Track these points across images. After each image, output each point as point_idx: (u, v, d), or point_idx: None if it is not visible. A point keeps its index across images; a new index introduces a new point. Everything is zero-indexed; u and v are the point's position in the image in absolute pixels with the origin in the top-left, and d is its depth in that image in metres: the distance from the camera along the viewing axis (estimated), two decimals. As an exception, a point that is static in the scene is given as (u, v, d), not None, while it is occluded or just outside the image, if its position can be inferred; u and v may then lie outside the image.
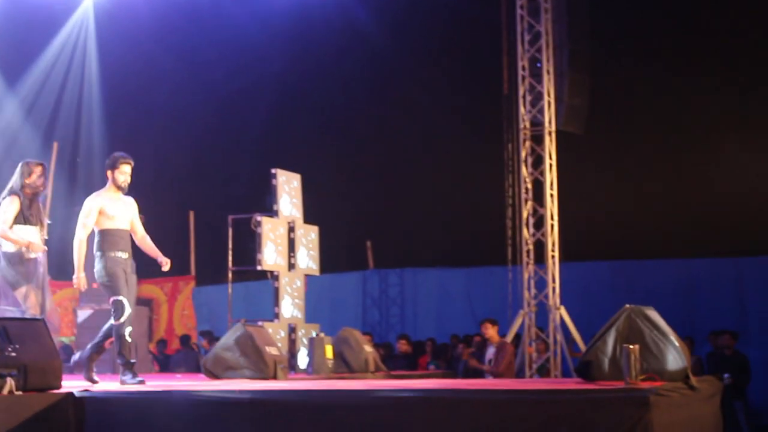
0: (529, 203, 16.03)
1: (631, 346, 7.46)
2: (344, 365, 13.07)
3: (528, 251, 16.00)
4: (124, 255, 9.81)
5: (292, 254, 14.40)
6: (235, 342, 11.05)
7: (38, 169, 10.03)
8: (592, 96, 16.47)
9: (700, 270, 18.02)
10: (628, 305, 8.29)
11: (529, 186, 16.05)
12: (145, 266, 19.63)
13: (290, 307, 14.14)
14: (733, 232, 18.39)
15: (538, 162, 16.05)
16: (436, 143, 20.56)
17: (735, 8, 18.78)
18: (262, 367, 10.83)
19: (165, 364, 17.99)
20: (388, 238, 20.93)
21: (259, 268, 13.86)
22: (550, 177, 15.94)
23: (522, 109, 16.05)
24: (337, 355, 12.99)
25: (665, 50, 19.37)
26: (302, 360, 13.81)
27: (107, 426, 7.80)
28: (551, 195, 15.93)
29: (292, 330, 14.02)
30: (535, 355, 15.88)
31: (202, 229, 22.14)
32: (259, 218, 13.75)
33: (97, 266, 9.68)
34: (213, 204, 20.80)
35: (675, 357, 7.97)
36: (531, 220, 16.04)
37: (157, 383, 9.75)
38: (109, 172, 9.93)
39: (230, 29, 20.81)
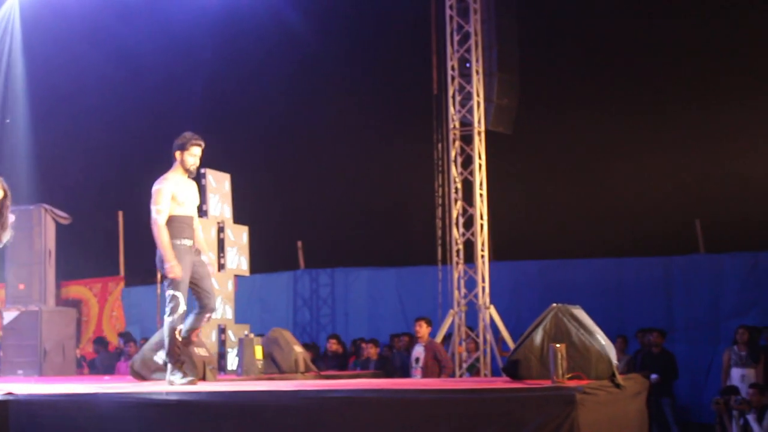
0: (459, 203, 16.09)
1: (558, 345, 7.53)
2: (274, 366, 13.02)
3: (458, 251, 16.06)
4: (189, 242, 9.38)
5: (221, 255, 14.32)
6: (159, 345, 10.96)
7: None
8: (520, 96, 16.58)
9: (627, 269, 18.21)
10: (555, 304, 8.36)
11: (459, 186, 16.11)
12: (73, 267, 19.55)
13: (220, 307, 14.06)
14: (660, 232, 18.61)
15: (467, 162, 16.11)
16: (367, 143, 20.57)
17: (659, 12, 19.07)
18: (191, 369, 10.74)
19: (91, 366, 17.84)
20: (319, 238, 20.89)
21: (188, 268, 13.74)
22: (480, 177, 16.01)
23: (451, 109, 16.11)
24: (267, 355, 12.93)
25: (593, 51, 19.55)
26: (232, 361, 13.74)
27: (32, 430, 7.71)
28: (481, 195, 16.00)
29: (221, 331, 13.94)
30: (465, 354, 15.94)
31: (131, 230, 21.91)
32: (188, 218, 13.65)
33: (160, 255, 9.27)
34: (143, 204, 20.61)
35: (601, 355, 8.06)
36: (461, 220, 16.10)
37: (82, 386, 9.64)
38: (177, 154, 9.49)
39: (161, 30, 20.65)
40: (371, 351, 16.24)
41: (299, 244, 20.90)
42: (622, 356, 15.65)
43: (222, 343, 13.89)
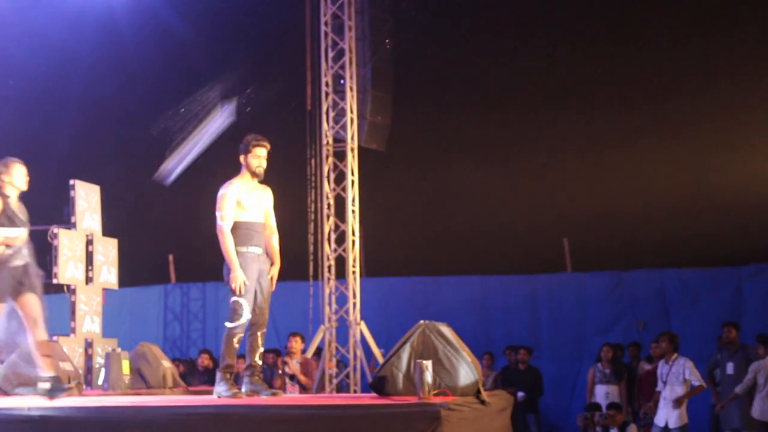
0: (331, 219, 16.14)
1: (425, 362, 7.60)
2: (141, 381, 12.87)
3: (329, 267, 16.09)
4: (258, 250, 9.01)
5: (90, 268, 14.11)
6: (27, 357, 10.75)
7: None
8: (394, 114, 16.71)
9: (495, 286, 18.48)
10: (422, 321, 8.44)
11: (332, 202, 16.15)
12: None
13: (87, 321, 13.86)
14: (528, 250, 18.92)
15: (340, 178, 16.17)
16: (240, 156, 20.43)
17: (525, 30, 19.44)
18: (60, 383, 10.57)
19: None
20: (190, 251, 20.70)
21: (54, 281, 13.52)
22: (352, 193, 16.08)
23: (325, 125, 16.15)
24: (135, 370, 12.77)
25: (466, 71, 19.81)
26: (99, 376, 13.54)
27: None
28: (353, 211, 16.07)
29: (88, 345, 13.74)
30: (335, 370, 15.97)
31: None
32: (55, 230, 13.44)
33: (226, 264, 8.89)
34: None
35: (467, 372, 8.16)
36: (333, 236, 16.14)
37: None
38: (242, 158, 9.15)
39: (37, 36, 20.23)
40: (239, 366, 16.15)
41: (170, 257, 20.72)
42: (488, 373, 15.89)
43: (89, 358, 13.69)
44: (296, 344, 14.05)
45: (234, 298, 8.88)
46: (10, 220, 8.84)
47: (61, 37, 19.91)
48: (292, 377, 13.77)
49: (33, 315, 8.91)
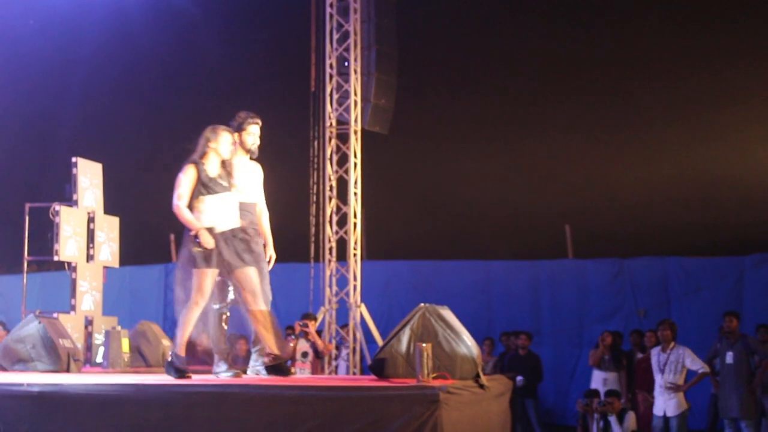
0: (333, 201, 16.13)
1: (424, 345, 7.58)
2: (141, 359, 12.84)
3: (330, 249, 16.09)
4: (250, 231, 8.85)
5: (91, 245, 14.08)
6: (26, 334, 10.75)
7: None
8: (398, 97, 16.68)
9: (497, 272, 18.47)
10: (423, 304, 8.41)
11: (334, 184, 16.14)
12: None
13: (87, 299, 13.84)
14: (530, 236, 18.92)
15: (343, 160, 16.16)
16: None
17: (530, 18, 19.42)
18: (55, 360, 10.56)
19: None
20: (192, 231, 20.68)
21: (56, 258, 13.49)
22: (355, 175, 16.07)
23: (329, 108, 16.14)
24: (134, 348, 12.75)
25: (471, 56, 19.78)
26: (98, 353, 13.53)
27: None
28: (355, 193, 16.06)
29: (88, 323, 13.72)
30: (335, 352, 15.98)
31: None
32: (57, 208, 13.41)
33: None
34: (10, 192, 20.17)
35: (466, 356, 8.15)
36: (334, 218, 16.14)
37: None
38: (236, 136, 8.96)
39: (44, 10, 20.18)
40: (242, 347, 16.14)
41: (172, 237, 20.70)
42: (488, 358, 15.88)
43: (89, 335, 13.68)
44: (312, 326, 13.94)
45: (218, 279, 8.81)
46: (206, 188, 8.59)
47: (69, 16, 19.86)
48: (305, 354, 13.69)
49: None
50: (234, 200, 8.75)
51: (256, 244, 8.83)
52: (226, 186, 8.69)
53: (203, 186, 8.60)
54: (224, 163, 8.76)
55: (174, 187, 8.68)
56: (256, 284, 8.70)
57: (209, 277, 8.51)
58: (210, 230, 8.49)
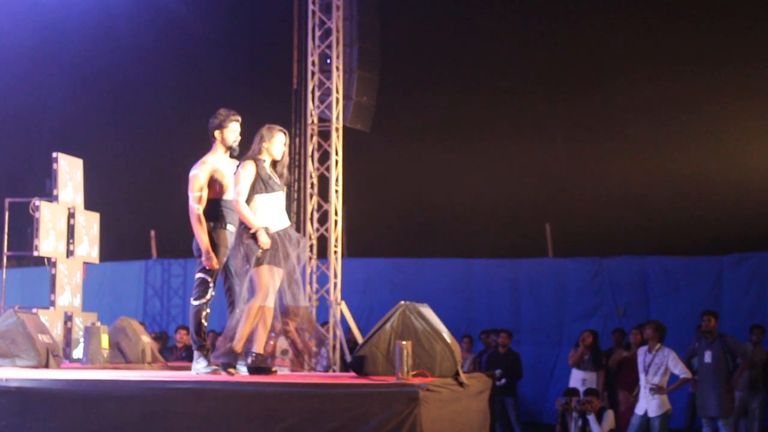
0: (314, 198, 16.12)
1: (404, 342, 7.60)
2: (120, 355, 12.83)
3: (311, 246, 16.09)
4: (232, 228, 8.86)
5: (71, 241, 14.05)
6: (5, 329, 10.72)
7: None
8: (380, 95, 16.69)
9: (477, 270, 18.50)
10: (403, 302, 8.43)
11: (315, 181, 16.14)
12: None
13: (67, 295, 13.81)
14: (511, 234, 18.96)
15: (324, 158, 16.16)
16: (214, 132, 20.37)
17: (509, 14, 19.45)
18: (34, 356, 10.54)
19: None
20: (173, 227, 20.63)
21: (35, 253, 13.46)
22: (336, 173, 16.08)
23: (310, 105, 16.13)
24: (114, 345, 12.73)
25: (453, 54, 19.81)
26: (78, 349, 13.51)
27: None
28: (336, 191, 16.07)
29: (68, 318, 13.70)
30: (314, 349, 15.96)
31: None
32: (37, 203, 13.37)
33: (197, 242, 8.84)
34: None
35: (446, 354, 8.16)
36: (315, 215, 16.13)
37: None
38: (217, 133, 8.97)
39: (27, 5, 20.09)
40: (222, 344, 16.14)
41: (152, 233, 20.66)
42: (467, 355, 15.90)
43: (68, 331, 13.65)
44: (292, 324, 13.93)
45: (199, 275, 8.92)
46: (266, 185, 8.53)
47: (52, 10, 19.79)
48: (285, 352, 13.66)
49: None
50: (283, 200, 8.74)
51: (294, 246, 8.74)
52: (280, 185, 8.67)
53: (263, 182, 8.53)
54: (275, 164, 8.70)
55: (234, 183, 8.57)
56: (278, 284, 8.61)
57: (268, 272, 8.48)
58: (266, 230, 8.46)
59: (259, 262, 8.41)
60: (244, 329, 8.54)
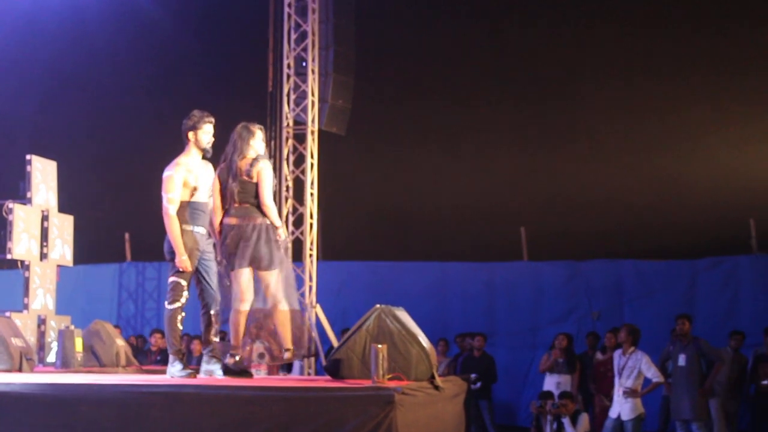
0: (290, 201, 16.11)
1: (380, 346, 7.60)
2: (94, 359, 12.76)
3: (286, 249, 16.02)
4: (203, 231, 8.87)
5: (44, 243, 13.97)
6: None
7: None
8: (355, 98, 16.68)
9: (453, 273, 18.52)
10: (378, 305, 8.43)
11: (290, 184, 16.12)
12: None
13: (40, 297, 13.74)
14: (483, 238, 18.98)
15: (299, 161, 16.14)
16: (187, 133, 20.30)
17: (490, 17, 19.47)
18: (7, 360, 10.47)
19: None
20: (147, 230, 20.53)
21: (9, 256, 13.37)
22: (311, 176, 16.06)
23: (286, 108, 16.10)
24: (87, 348, 12.67)
25: (428, 57, 19.82)
26: (51, 353, 13.44)
27: None
28: (311, 194, 16.05)
29: (41, 321, 13.62)
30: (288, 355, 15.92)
31: None
32: (11, 205, 13.30)
33: (169, 244, 8.80)
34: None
35: (421, 357, 8.17)
36: (290, 219, 16.11)
37: None
38: (191, 134, 8.91)
39: (1, 7, 19.99)
40: (196, 347, 16.09)
41: (126, 235, 20.58)
42: (442, 358, 15.92)
43: (42, 334, 13.58)
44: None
45: (173, 279, 8.91)
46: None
47: (25, 13, 19.66)
48: (261, 356, 13.59)
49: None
50: None
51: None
52: None
53: None
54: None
55: (263, 185, 8.63)
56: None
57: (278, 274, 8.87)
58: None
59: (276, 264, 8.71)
60: (284, 331, 8.81)
